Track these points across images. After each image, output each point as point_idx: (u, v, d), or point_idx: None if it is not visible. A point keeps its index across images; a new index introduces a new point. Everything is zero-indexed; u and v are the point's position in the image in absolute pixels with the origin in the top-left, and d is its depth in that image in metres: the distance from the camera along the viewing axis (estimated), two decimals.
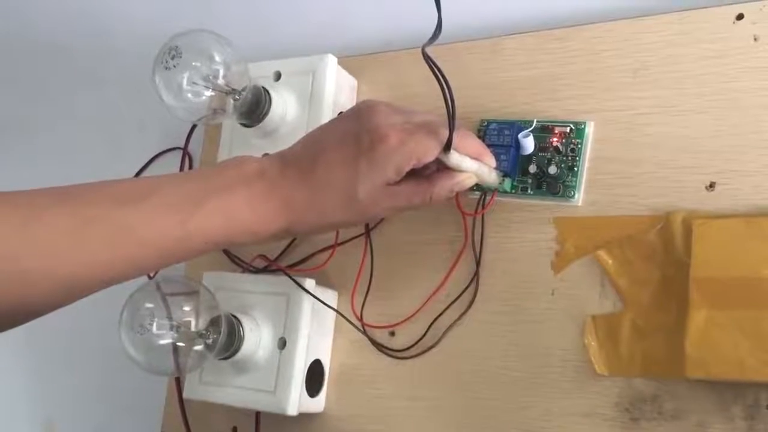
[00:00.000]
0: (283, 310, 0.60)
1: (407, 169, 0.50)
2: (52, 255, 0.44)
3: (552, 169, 0.55)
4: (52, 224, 0.45)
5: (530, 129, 0.56)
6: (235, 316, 0.60)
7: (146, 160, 0.79)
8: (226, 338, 0.58)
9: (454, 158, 0.50)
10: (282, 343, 0.60)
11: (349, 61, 0.66)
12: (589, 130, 0.56)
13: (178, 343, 0.56)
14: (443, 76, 0.46)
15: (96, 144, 0.87)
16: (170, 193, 0.48)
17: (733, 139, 0.51)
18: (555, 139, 0.56)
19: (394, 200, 0.51)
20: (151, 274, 0.72)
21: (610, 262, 0.53)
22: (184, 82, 0.59)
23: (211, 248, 0.51)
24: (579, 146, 0.55)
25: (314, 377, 0.61)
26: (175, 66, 0.58)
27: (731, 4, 0.52)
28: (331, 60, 0.64)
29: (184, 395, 0.65)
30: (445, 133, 0.49)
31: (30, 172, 0.89)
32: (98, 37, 0.90)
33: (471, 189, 0.56)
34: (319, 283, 0.61)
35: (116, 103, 0.87)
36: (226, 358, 0.59)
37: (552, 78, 0.58)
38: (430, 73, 0.46)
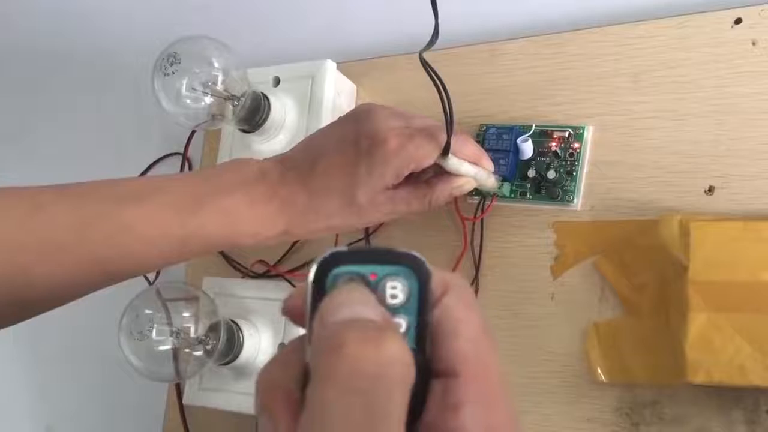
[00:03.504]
0: (283, 316, 0.60)
1: (406, 173, 0.50)
2: (54, 249, 0.45)
3: (551, 174, 0.55)
4: (55, 219, 0.45)
5: (529, 133, 0.56)
6: (234, 322, 0.60)
7: (146, 166, 0.79)
8: (226, 344, 0.58)
9: (453, 162, 0.50)
10: (282, 349, 0.60)
11: (348, 66, 0.66)
12: (588, 134, 0.56)
13: (178, 349, 0.56)
14: (441, 81, 0.46)
15: (96, 149, 0.87)
16: (171, 193, 0.49)
17: (732, 143, 0.51)
18: (554, 144, 0.56)
19: (392, 204, 0.52)
20: (151, 280, 0.72)
21: (609, 266, 0.53)
22: (183, 88, 0.59)
23: (212, 249, 0.51)
24: (578, 151, 0.55)
25: None
26: (174, 72, 0.59)
27: (729, 8, 0.52)
28: (330, 65, 0.64)
29: (184, 401, 0.65)
30: (444, 138, 0.49)
31: (30, 177, 0.89)
32: (98, 42, 0.90)
33: (470, 194, 0.56)
34: None
35: (116, 109, 0.87)
36: (225, 364, 0.59)
37: (551, 82, 0.58)
38: (429, 78, 0.46)
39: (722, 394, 0.48)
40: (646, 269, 0.51)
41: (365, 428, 0.22)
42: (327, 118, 0.63)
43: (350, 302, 0.25)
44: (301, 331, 0.27)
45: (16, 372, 0.86)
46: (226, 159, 0.68)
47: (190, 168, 0.77)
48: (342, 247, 0.26)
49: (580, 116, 0.56)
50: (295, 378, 0.25)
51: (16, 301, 0.45)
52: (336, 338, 0.23)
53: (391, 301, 0.26)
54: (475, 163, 0.53)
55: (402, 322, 0.26)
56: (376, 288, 0.26)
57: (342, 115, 0.54)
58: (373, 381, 0.23)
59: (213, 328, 0.57)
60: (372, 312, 0.25)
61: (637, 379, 0.50)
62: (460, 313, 0.26)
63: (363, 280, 0.26)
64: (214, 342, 0.57)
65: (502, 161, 0.56)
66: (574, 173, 0.55)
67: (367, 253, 0.26)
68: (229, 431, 0.67)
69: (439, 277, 0.27)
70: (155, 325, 0.55)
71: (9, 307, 0.45)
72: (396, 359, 0.23)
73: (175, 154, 0.78)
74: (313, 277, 0.26)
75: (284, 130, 0.64)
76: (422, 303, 0.26)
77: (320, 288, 0.26)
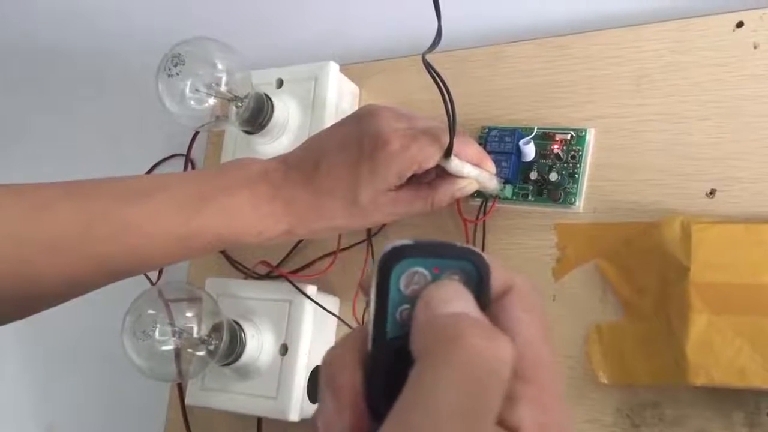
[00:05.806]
0: (285, 316, 0.61)
1: (409, 174, 0.50)
2: (58, 247, 0.45)
3: (553, 176, 0.55)
4: (60, 217, 0.45)
5: (531, 136, 0.56)
6: (237, 322, 0.60)
7: (149, 167, 0.80)
8: (228, 344, 0.58)
9: (455, 164, 0.51)
10: (284, 349, 0.60)
11: (351, 69, 0.66)
12: (590, 137, 0.56)
13: (181, 349, 0.56)
14: (444, 83, 0.46)
15: (99, 151, 0.87)
16: (175, 192, 0.49)
17: (734, 146, 0.51)
18: (556, 146, 0.56)
19: (395, 205, 0.52)
20: (154, 280, 0.72)
21: (611, 268, 0.53)
22: (187, 89, 0.59)
23: (215, 247, 0.51)
24: (580, 153, 0.55)
25: (316, 383, 0.61)
26: (177, 73, 0.59)
27: (731, 11, 0.53)
28: (333, 67, 0.64)
29: (186, 401, 0.65)
30: (447, 140, 0.49)
31: (33, 177, 0.90)
32: (101, 43, 0.90)
33: (472, 196, 0.56)
34: (320, 289, 0.61)
35: (119, 110, 0.87)
36: (228, 364, 0.59)
37: (553, 85, 0.58)
38: (431, 80, 0.46)
39: (723, 395, 0.48)
40: (647, 271, 0.51)
41: (470, 416, 0.23)
42: (330, 120, 0.63)
43: (458, 297, 0.26)
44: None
45: (18, 371, 0.86)
46: (229, 160, 0.68)
47: (193, 169, 0.78)
48: (407, 240, 0.27)
49: (582, 119, 0.56)
50: (359, 363, 0.26)
51: (20, 297, 0.45)
52: (454, 328, 0.24)
53: None
54: (477, 165, 0.53)
55: None
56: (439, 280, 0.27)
57: (345, 116, 0.55)
58: (488, 375, 0.24)
59: (215, 329, 0.57)
60: (476, 312, 0.26)
61: (638, 381, 0.50)
62: (519, 313, 0.27)
63: (427, 274, 0.27)
64: (217, 342, 0.57)
65: (504, 163, 0.56)
66: (576, 175, 0.55)
67: (431, 246, 0.27)
68: (231, 431, 0.67)
69: (504, 276, 0.27)
70: (158, 326, 0.55)
71: (13, 302, 0.45)
72: (508, 360, 0.24)
73: (178, 155, 0.79)
74: (378, 267, 0.27)
75: (287, 131, 0.65)
76: (480, 298, 0.27)
77: (385, 278, 0.27)
